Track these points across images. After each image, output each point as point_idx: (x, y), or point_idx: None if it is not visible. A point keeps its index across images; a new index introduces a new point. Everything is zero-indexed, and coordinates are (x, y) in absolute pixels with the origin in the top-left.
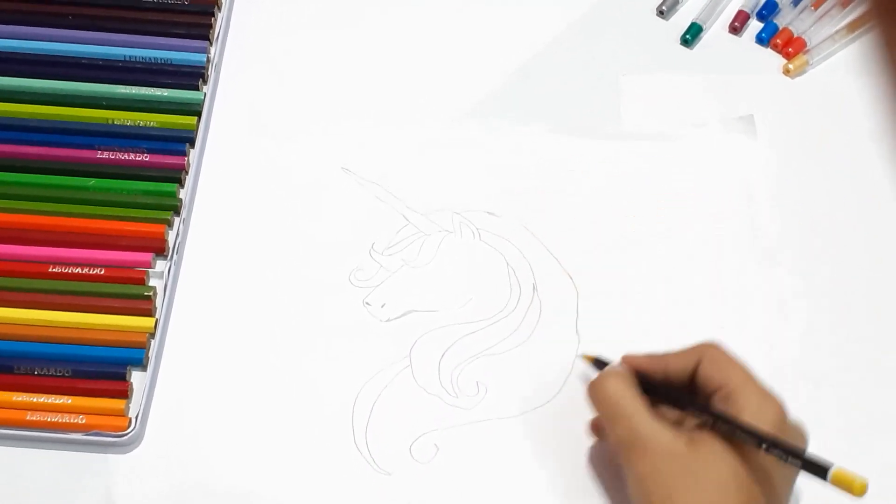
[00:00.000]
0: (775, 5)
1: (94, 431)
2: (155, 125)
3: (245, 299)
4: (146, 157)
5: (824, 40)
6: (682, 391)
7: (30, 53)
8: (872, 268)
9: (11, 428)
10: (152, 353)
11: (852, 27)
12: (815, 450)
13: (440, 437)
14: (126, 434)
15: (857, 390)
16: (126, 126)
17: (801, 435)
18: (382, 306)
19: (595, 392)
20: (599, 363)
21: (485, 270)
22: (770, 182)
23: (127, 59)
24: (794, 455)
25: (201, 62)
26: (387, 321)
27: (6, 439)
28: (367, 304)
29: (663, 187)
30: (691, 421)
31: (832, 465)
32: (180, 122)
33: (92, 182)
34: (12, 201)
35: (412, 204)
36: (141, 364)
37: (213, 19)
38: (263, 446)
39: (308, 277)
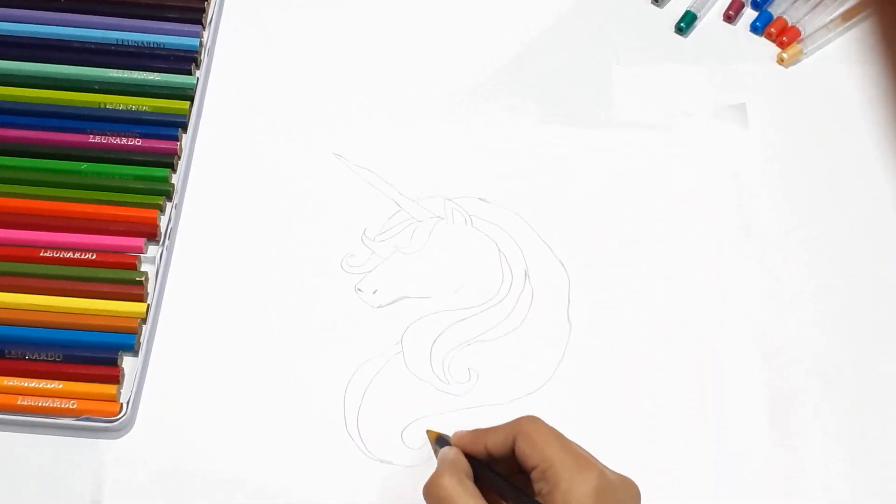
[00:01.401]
0: None
1: (85, 416)
2: (147, 109)
3: (237, 285)
4: (138, 141)
5: (819, 29)
6: (502, 477)
7: (21, 37)
8: (866, 258)
9: (2, 413)
10: (144, 339)
11: (847, 16)
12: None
13: (432, 424)
14: (117, 419)
15: (855, 383)
16: (118, 110)
17: (629, 493)
18: (374, 292)
19: (430, 495)
20: (441, 441)
21: (477, 257)
22: (762, 171)
23: (119, 42)
24: None
25: (194, 46)
26: (378, 307)
27: None
28: (358, 290)
29: (655, 175)
30: None
31: None
32: (173, 106)
33: (84, 166)
34: (3, 185)
35: (404, 190)
36: (132, 349)
37: (206, 3)
38: (255, 432)
39: (300, 263)
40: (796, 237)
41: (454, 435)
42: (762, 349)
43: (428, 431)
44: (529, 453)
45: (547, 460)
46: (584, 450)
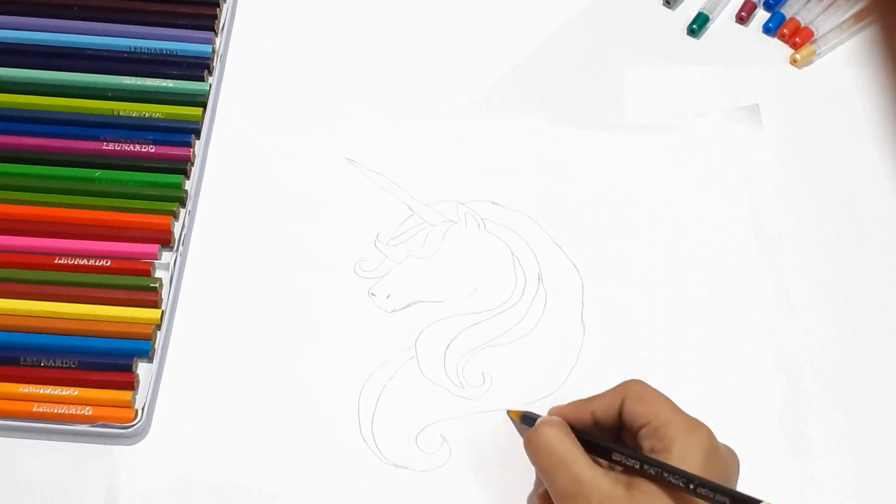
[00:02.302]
0: None
1: (101, 423)
2: (160, 116)
3: (251, 290)
4: (152, 148)
5: (831, 30)
6: (605, 437)
7: (35, 44)
8: (877, 260)
9: (18, 419)
10: (158, 345)
11: (859, 17)
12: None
13: (446, 428)
14: (132, 425)
15: (864, 384)
16: (132, 117)
17: (734, 460)
18: (388, 297)
19: (533, 444)
20: (526, 419)
21: (490, 261)
22: (775, 172)
23: (132, 49)
24: (722, 493)
25: (207, 53)
26: (392, 312)
27: (12, 431)
28: (372, 294)
29: (668, 177)
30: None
31: (761, 501)
32: (186, 113)
33: (97, 173)
34: (18, 192)
35: (417, 194)
36: (147, 355)
37: (218, 10)
38: (269, 438)
39: (313, 268)
40: (810, 239)
41: (552, 408)
42: (776, 353)
43: (509, 412)
44: (641, 412)
45: (659, 417)
46: (684, 411)
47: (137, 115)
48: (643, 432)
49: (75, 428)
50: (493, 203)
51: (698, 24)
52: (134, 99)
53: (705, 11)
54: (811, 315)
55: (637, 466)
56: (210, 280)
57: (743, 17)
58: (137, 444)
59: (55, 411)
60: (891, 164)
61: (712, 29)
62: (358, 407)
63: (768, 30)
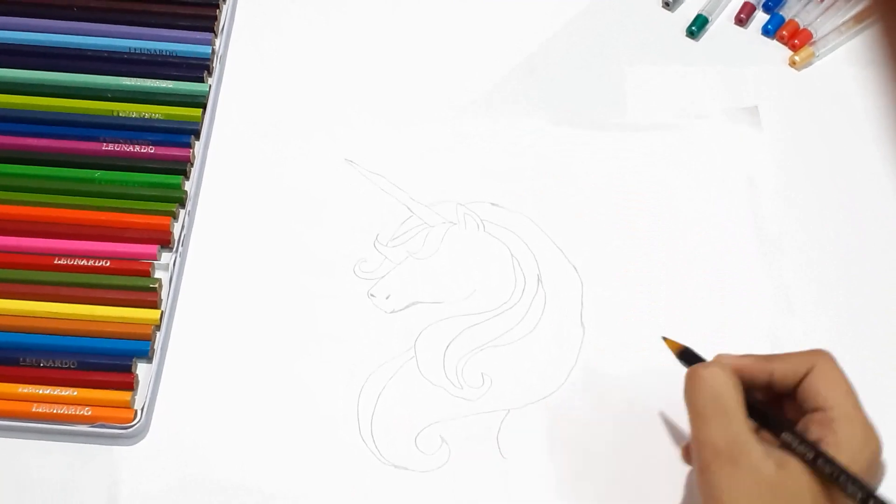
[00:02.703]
0: None
1: (100, 423)
2: (160, 117)
3: (250, 291)
4: (151, 149)
5: (830, 32)
6: (780, 413)
7: (35, 45)
8: (877, 260)
9: (17, 420)
10: (158, 345)
11: (858, 19)
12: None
13: (445, 429)
14: (132, 426)
15: (863, 384)
16: (131, 118)
17: (883, 476)
18: (387, 298)
19: (698, 382)
20: (686, 354)
21: (489, 262)
22: (775, 173)
23: (132, 51)
24: None
25: (206, 54)
26: (391, 312)
27: (12, 431)
28: (371, 295)
29: (668, 178)
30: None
31: None
32: (185, 114)
33: (97, 174)
34: (18, 193)
35: (416, 195)
36: (146, 356)
37: (217, 11)
38: (269, 438)
39: (313, 269)
40: (810, 239)
41: (719, 355)
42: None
43: (666, 340)
44: (823, 395)
45: (839, 409)
46: (865, 410)
47: (137, 116)
48: (816, 417)
49: (74, 428)
50: (493, 204)
51: (697, 26)
52: (134, 100)
53: (704, 13)
54: (811, 315)
55: (810, 457)
56: (209, 281)
57: (742, 19)
58: (137, 445)
59: (54, 412)
60: (890, 164)
61: (711, 31)
62: (357, 407)
63: (767, 32)
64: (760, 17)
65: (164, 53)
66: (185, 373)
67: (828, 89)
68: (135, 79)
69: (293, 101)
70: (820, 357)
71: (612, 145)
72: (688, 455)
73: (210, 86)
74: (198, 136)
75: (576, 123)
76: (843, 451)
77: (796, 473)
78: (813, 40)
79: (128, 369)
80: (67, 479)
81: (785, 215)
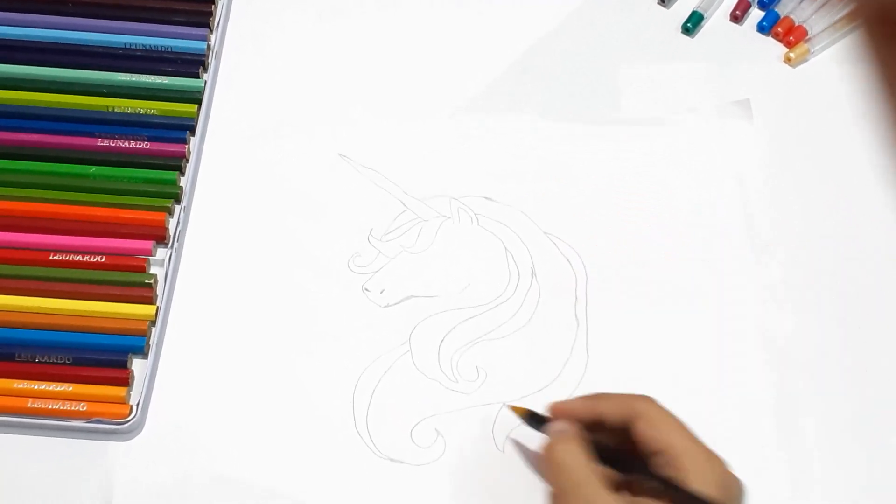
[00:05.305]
0: None
1: (95, 419)
2: (155, 113)
3: (245, 287)
4: (147, 144)
5: (825, 29)
6: (626, 454)
7: (30, 40)
8: (869, 257)
9: (12, 415)
10: (153, 341)
11: (853, 16)
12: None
13: (440, 422)
14: (127, 421)
15: (853, 380)
16: (126, 114)
17: (742, 490)
18: (381, 292)
19: (552, 466)
20: (533, 418)
21: (483, 255)
22: (768, 169)
23: (127, 46)
24: None
25: (201, 50)
26: (386, 307)
27: (7, 426)
28: (366, 289)
29: (662, 173)
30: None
31: None
32: (181, 109)
33: (92, 170)
34: (12, 189)
35: (410, 190)
36: (142, 352)
37: (213, 7)
38: (264, 433)
39: (307, 264)
40: (801, 235)
41: (554, 405)
42: (767, 349)
43: (512, 407)
44: (655, 437)
45: (675, 448)
46: (699, 438)
47: (132, 112)
48: (659, 460)
49: (70, 424)
50: (487, 198)
51: (693, 23)
52: (129, 95)
53: (700, 10)
54: (805, 313)
55: (662, 489)
56: (205, 276)
57: (737, 16)
58: (132, 441)
59: (50, 407)
60: (884, 162)
61: (707, 27)
62: (353, 401)
63: (762, 28)
64: (756, 14)
65: (159, 49)
66: (180, 368)
67: (822, 86)
68: (130, 74)
69: (288, 96)
70: (642, 404)
71: (606, 141)
72: None
73: (205, 81)
74: (193, 132)
75: (570, 119)
76: (693, 479)
77: None
78: (808, 37)
79: (123, 365)
80: (62, 474)
81: (778, 212)
